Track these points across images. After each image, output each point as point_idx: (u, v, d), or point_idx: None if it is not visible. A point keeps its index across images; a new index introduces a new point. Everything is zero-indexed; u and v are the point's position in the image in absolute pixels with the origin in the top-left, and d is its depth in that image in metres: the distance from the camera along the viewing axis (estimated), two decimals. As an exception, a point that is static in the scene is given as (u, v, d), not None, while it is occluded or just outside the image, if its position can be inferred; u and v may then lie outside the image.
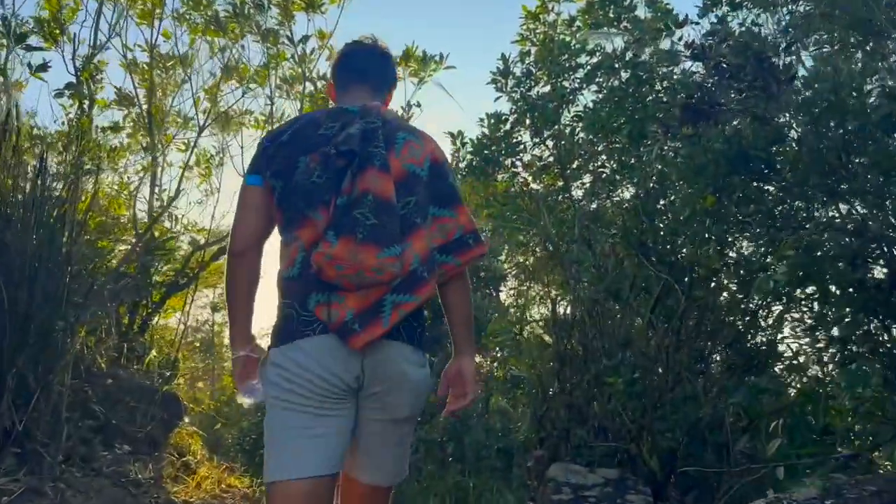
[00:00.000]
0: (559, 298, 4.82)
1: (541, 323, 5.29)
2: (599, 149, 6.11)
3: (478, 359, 10.57)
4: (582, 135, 6.34)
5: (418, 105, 6.62)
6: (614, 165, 5.15)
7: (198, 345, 23.95)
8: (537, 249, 6.03)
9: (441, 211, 1.81)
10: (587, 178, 6.37)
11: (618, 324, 4.10)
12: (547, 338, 4.54)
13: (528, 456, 4.82)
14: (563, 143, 6.35)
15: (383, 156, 1.69)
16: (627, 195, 5.19)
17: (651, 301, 4.12)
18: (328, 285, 1.64)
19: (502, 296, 15.10)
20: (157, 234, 5.47)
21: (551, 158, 6.65)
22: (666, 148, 4.06)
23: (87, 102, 4.80)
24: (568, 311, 4.76)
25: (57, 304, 3.92)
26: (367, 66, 1.99)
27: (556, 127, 6.43)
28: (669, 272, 4.09)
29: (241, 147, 6.92)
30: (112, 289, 4.74)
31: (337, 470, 1.71)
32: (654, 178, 4.17)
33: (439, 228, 1.80)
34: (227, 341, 26.44)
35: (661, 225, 4.15)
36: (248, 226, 1.79)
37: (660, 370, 3.83)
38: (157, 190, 5.98)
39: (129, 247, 4.83)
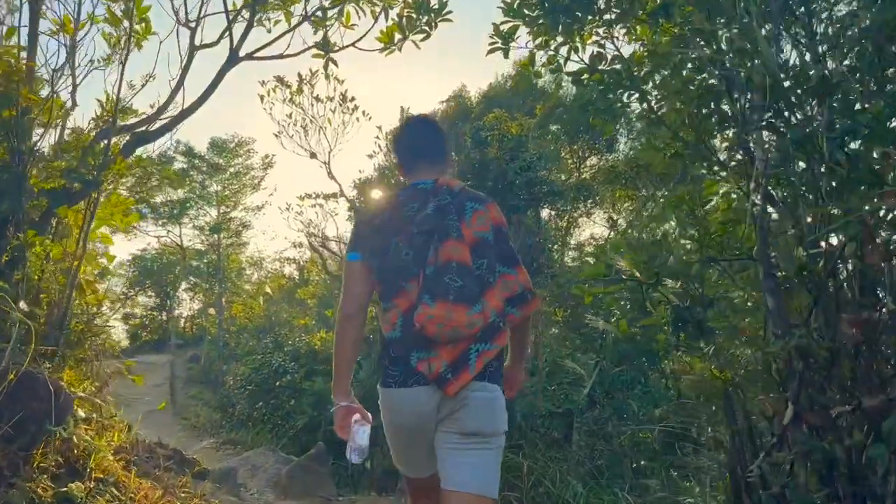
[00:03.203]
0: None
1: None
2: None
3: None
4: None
5: None
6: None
7: (205, 269, 22.09)
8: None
9: (505, 269, 2.18)
10: None
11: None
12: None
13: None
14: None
15: (458, 227, 2.10)
16: None
17: None
18: (426, 343, 2.03)
19: (543, 214, 12.52)
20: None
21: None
22: None
23: None
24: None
25: None
26: (424, 145, 2.35)
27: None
28: None
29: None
30: None
31: (434, 470, 2.13)
32: None
33: (504, 283, 2.16)
34: (241, 265, 24.21)
35: None
36: (354, 294, 2.18)
37: None
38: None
39: None
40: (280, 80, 7.48)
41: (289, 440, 8.65)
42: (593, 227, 15.83)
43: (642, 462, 7.33)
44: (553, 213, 15.16)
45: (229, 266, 22.28)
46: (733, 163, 4.29)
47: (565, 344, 8.34)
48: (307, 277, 18.02)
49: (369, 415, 2.23)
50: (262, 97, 7.60)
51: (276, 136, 7.76)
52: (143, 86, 4.02)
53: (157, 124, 4.02)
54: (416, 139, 2.37)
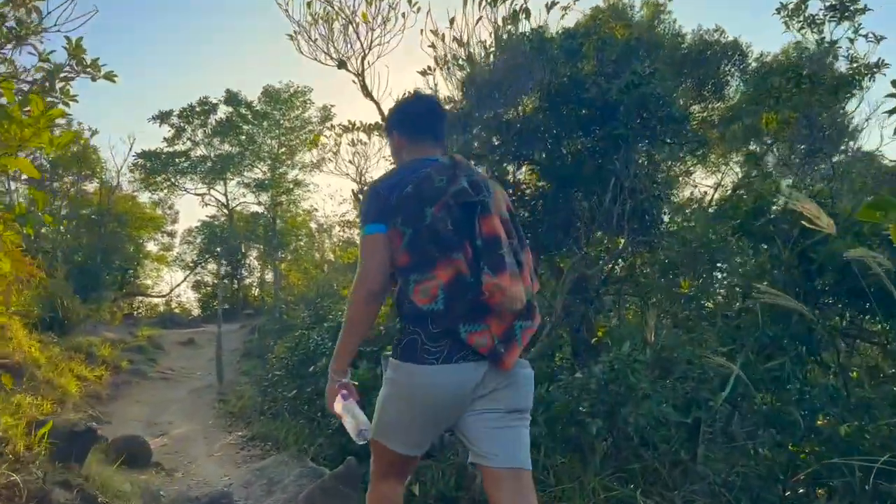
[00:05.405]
0: None
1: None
2: None
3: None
4: None
5: None
6: None
7: (261, 232, 20.77)
8: None
9: (522, 249, 2.26)
10: None
11: None
12: None
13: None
14: None
15: (492, 205, 2.10)
16: None
17: None
18: (475, 315, 2.01)
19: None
20: None
21: None
22: None
23: None
24: None
25: None
26: (434, 126, 2.36)
27: None
28: None
29: None
30: None
31: (424, 450, 2.22)
32: None
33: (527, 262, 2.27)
34: (312, 231, 22.66)
35: None
36: (380, 268, 2.10)
37: None
38: None
39: None
40: (297, -41, 5.55)
41: (326, 440, 6.87)
42: (692, 189, 13.34)
43: (800, 491, 5.10)
44: (647, 162, 12.69)
45: (297, 231, 20.84)
46: None
47: (687, 325, 6.13)
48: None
49: (354, 390, 2.20)
50: (276, -11, 5.69)
51: (292, 37, 5.87)
52: None
53: None
54: (424, 112, 2.37)
